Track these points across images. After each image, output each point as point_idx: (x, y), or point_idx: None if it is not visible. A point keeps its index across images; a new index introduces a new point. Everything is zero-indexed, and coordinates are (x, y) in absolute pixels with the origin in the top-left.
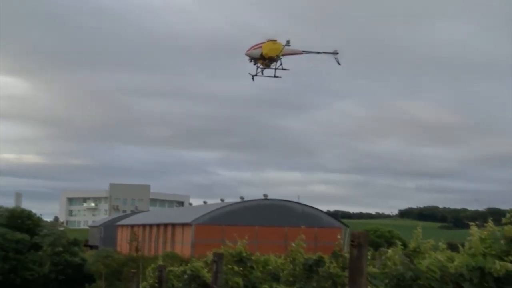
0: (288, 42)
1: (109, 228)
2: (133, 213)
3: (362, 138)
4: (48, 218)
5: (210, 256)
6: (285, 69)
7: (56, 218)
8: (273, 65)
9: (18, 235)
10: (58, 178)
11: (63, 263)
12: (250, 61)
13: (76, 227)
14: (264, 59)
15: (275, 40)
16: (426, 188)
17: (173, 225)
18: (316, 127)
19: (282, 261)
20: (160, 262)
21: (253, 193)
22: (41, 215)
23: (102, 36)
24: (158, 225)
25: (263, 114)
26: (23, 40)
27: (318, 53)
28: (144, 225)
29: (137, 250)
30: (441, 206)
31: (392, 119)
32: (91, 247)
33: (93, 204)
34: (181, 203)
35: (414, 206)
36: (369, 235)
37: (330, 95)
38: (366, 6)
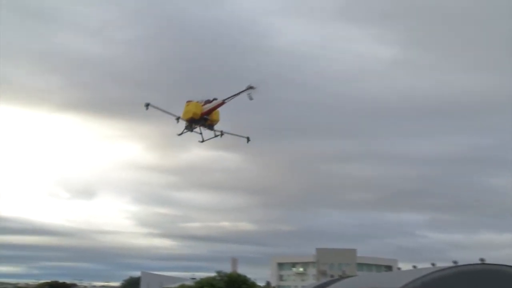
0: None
1: None
2: (341, 278)
3: None
4: (260, 283)
5: None
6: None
7: (268, 283)
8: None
9: None
10: (268, 244)
11: None
12: (186, 127)
13: None
14: (195, 122)
15: (190, 101)
16: None
17: None
18: None
19: None
20: None
21: (467, 257)
22: (255, 279)
23: (302, 107)
24: None
25: (470, 173)
26: (234, 118)
27: (237, 94)
28: None
29: None
30: None
31: None
32: None
33: (301, 269)
34: (389, 267)
35: None
36: None
37: None
38: None
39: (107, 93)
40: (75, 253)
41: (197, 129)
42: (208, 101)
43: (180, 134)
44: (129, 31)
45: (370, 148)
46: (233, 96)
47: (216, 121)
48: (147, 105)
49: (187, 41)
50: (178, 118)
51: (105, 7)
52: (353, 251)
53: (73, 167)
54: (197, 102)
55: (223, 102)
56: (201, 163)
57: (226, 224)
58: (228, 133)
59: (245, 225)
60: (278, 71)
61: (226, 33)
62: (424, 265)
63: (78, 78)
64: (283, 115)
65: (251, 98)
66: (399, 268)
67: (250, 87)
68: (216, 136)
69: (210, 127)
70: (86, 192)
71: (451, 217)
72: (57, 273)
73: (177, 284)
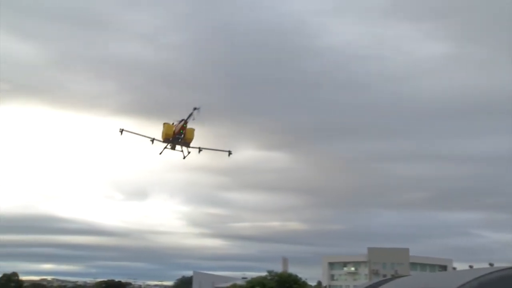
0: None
1: None
2: (393, 277)
3: None
4: (312, 282)
5: None
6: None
7: (319, 283)
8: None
9: None
10: (319, 244)
11: None
12: (166, 146)
13: None
14: (171, 141)
15: (165, 123)
16: None
17: None
18: None
19: None
20: None
21: None
22: (306, 279)
23: (352, 107)
24: None
25: None
26: (283, 119)
27: (190, 116)
28: None
29: None
30: None
31: None
32: None
33: (353, 269)
34: (443, 267)
35: None
36: None
37: None
38: None
39: (158, 96)
40: (130, 253)
41: (179, 147)
42: (179, 122)
43: (160, 153)
44: (180, 36)
45: (423, 147)
46: (188, 117)
47: (190, 139)
48: (121, 131)
49: (238, 44)
50: (153, 140)
51: (156, 13)
52: (405, 251)
53: (127, 169)
54: (172, 123)
55: (185, 122)
56: (251, 163)
57: (276, 224)
58: (206, 149)
59: (295, 225)
60: (328, 71)
61: (276, 34)
62: (481, 265)
63: (131, 83)
64: (334, 115)
65: (193, 118)
66: (454, 268)
67: (195, 108)
68: (189, 153)
69: (186, 144)
70: (140, 193)
71: (509, 216)
72: (113, 272)
73: (228, 284)
